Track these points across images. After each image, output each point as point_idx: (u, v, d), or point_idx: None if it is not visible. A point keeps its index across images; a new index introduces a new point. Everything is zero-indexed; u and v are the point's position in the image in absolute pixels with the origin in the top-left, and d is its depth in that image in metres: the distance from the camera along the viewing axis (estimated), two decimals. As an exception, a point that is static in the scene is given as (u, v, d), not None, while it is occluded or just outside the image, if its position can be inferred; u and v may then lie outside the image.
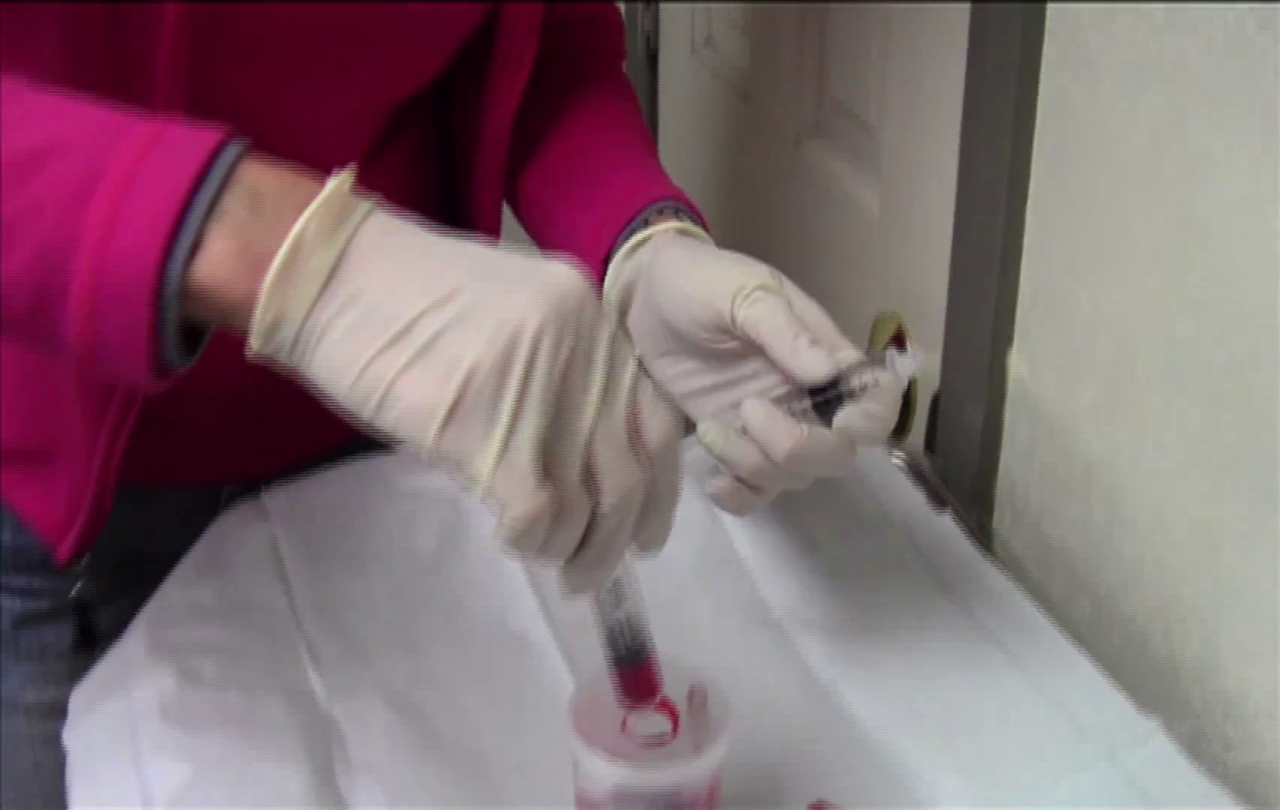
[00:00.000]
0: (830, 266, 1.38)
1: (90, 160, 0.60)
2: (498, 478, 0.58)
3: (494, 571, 0.94)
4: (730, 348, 0.81)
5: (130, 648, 0.88)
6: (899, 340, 0.73)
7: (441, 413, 0.57)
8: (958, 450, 1.16)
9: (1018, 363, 1.09)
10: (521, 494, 0.58)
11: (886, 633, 0.92)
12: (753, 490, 0.77)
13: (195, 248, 0.59)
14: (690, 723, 0.74)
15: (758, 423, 0.74)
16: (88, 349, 0.61)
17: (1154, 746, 0.83)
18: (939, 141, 1.13)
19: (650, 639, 0.71)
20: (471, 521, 0.98)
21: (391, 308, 0.59)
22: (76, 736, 0.84)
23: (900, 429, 1.25)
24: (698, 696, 0.74)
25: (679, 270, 0.83)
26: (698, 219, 0.91)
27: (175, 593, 0.92)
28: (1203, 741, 0.93)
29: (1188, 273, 0.89)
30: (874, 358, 0.75)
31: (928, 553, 0.98)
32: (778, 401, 0.77)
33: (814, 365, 0.76)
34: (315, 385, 0.61)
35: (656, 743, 0.73)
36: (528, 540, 0.60)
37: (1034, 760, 0.82)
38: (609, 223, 0.89)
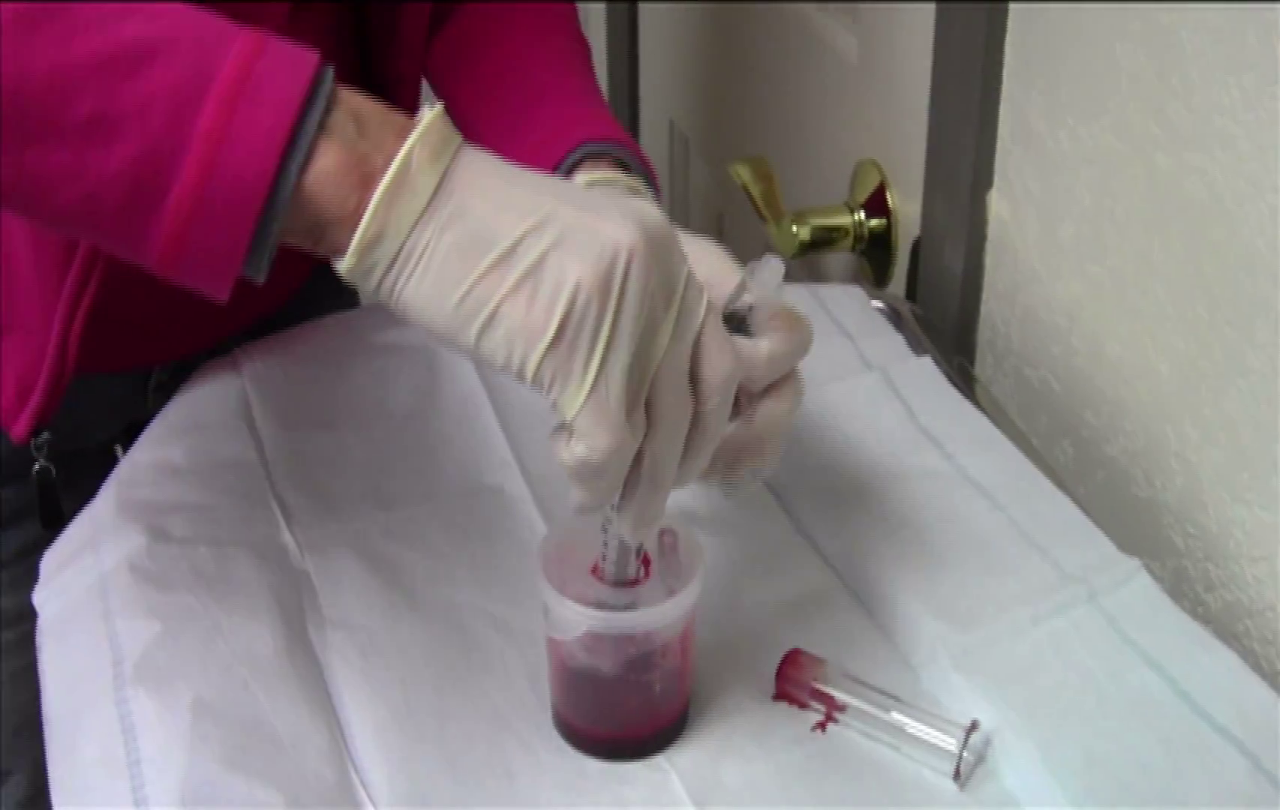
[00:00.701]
0: (809, 115, 1.36)
1: (198, 65, 0.60)
2: (588, 407, 0.60)
3: (468, 426, 0.93)
4: None
5: (100, 508, 0.87)
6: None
7: (547, 337, 0.59)
8: (939, 296, 1.14)
9: (998, 204, 1.07)
10: (608, 426, 0.60)
11: (866, 478, 0.91)
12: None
13: (306, 160, 0.60)
14: (661, 567, 0.73)
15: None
16: (173, 252, 0.60)
17: (1135, 587, 0.82)
18: (917, -18, 1.11)
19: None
20: (445, 376, 0.97)
21: (495, 228, 0.60)
22: (46, 598, 0.83)
23: (880, 278, 1.24)
24: (668, 540, 0.73)
25: None
26: (636, 158, 0.85)
27: (146, 453, 0.91)
28: (1185, 582, 0.93)
29: (1168, 102, 0.87)
30: (741, 282, 0.72)
31: (907, 398, 0.97)
32: None
33: None
34: (400, 310, 0.61)
35: (627, 587, 0.72)
36: (605, 473, 0.61)
37: (1015, 603, 0.81)
38: (535, 161, 0.85)
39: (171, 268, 0.61)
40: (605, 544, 0.71)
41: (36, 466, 0.93)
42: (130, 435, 1.05)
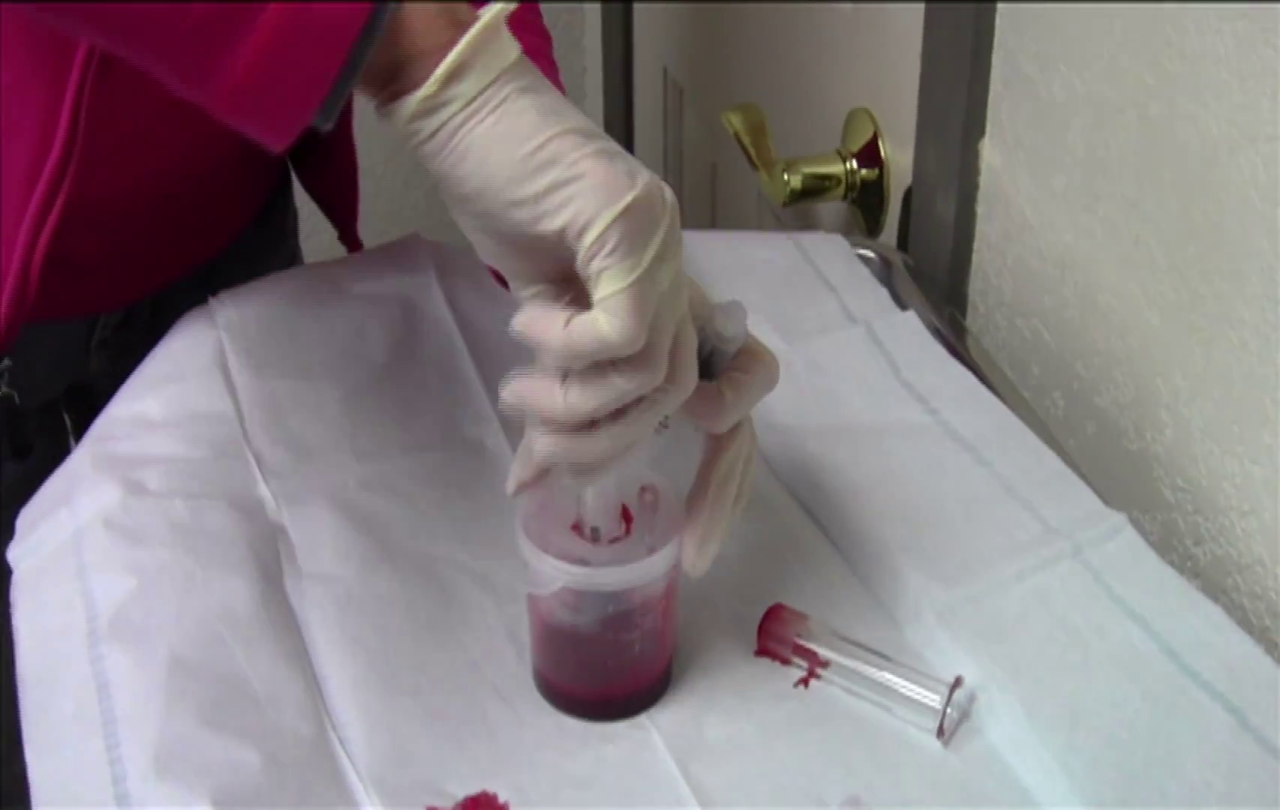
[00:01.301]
0: (802, 63, 1.35)
1: None
2: (631, 289, 0.60)
3: (446, 377, 0.92)
4: None
5: (75, 463, 0.86)
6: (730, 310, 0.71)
7: (627, 199, 0.60)
8: (931, 246, 1.13)
9: (990, 153, 1.06)
10: (640, 317, 0.60)
11: (849, 433, 0.90)
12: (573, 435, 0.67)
13: None
14: (643, 523, 0.72)
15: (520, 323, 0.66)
16: (250, 82, 0.59)
17: (1120, 541, 0.81)
18: (909, -75, 1.09)
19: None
20: (423, 327, 0.95)
21: (570, 111, 0.62)
22: (21, 554, 0.82)
23: (872, 227, 1.23)
24: (649, 496, 0.72)
25: None
26: None
27: (122, 407, 0.90)
28: (1174, 535, 0.92)
29: (1161, 50, 0.86)
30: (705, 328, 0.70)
31: (891, 352, 0.96)
32: None
33: None
34: (456, 156, 0.61)
35: (608, 543, 0.71)
36: (610, 372, 0.61)
37: (1000, 558, 0.80)
38: None
39: (242, 98, 0.60)
40: (582, 495, 0.71)
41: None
42: (71, 398, 1.04)
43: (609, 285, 0.60)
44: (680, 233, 0.63)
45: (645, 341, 0.61)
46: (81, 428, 1.05)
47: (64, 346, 0.99)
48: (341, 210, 1.11)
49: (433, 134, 0.61)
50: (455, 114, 0.61)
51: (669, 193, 0.62)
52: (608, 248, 0.60)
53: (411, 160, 0.64)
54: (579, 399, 0.62)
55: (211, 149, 0.96)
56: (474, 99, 0.60)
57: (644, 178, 0.61)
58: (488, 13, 0.61)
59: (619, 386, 0.62)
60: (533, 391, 0.63)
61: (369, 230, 1.12)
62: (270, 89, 0.60)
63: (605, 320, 0.60)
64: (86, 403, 1.05)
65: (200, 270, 1.03)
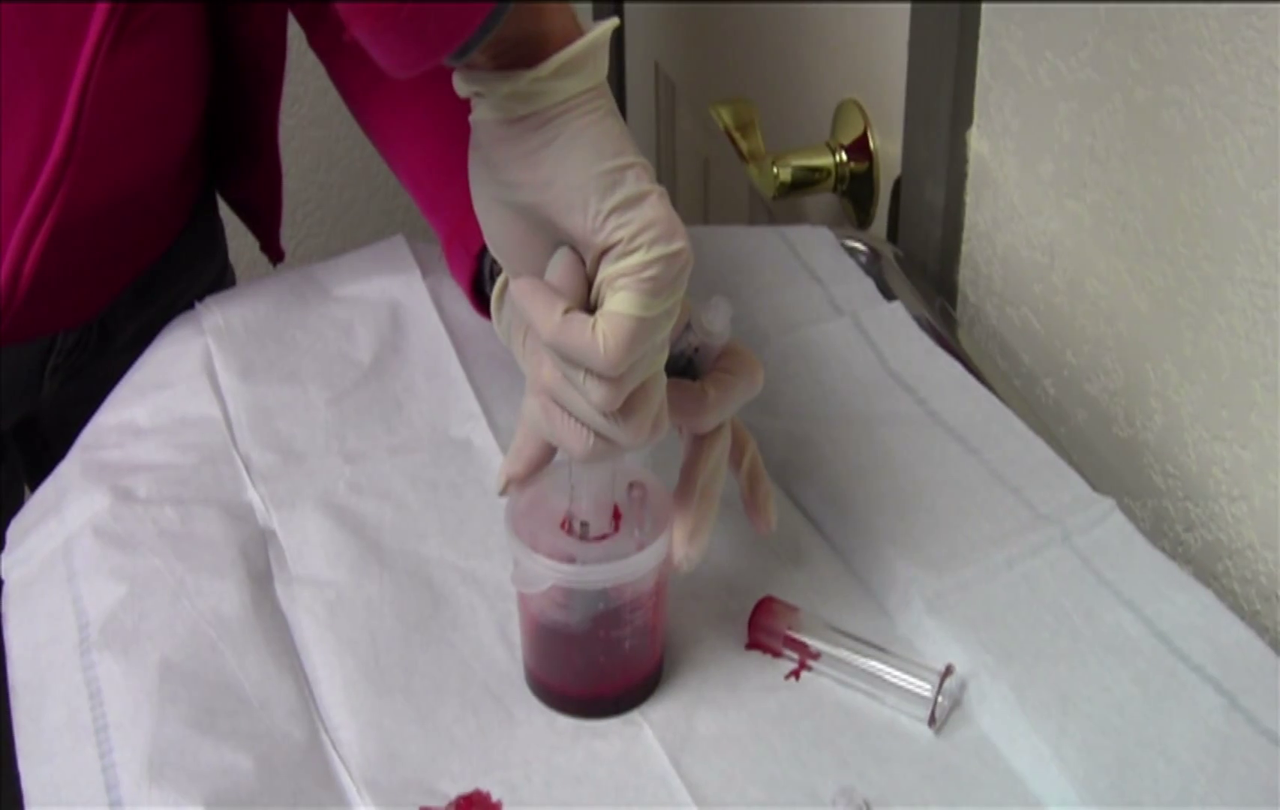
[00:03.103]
0: (790, 54, 1.35)
1: None
2: (645, 323, 0.62)
3: (434, 377, 0.92)
4: None
5: (65, 472, 0.86)
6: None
7: (678, 245, 0.63)
8: (920, 236, 1.13)
9: (978, 141, 1.06)
10: (637, 348, 0.63)
11: (837, 424, 0.90)
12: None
13: None
14: (631, 519, 0.72)
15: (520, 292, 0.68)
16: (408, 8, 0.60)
17: (1109, 526, 0.81)
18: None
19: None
20: (410, 328, 0.95)
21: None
22: (12, 565, 0.82)
23: (863, 219, 1.23)
24: (637, 492, 0.72)
25: None
26: None
27: (109, 415, 0.89)
28: (1165, 522, 0.92)
29: (1146, 34, 0.86)
30: (688, 323, 0.72)
31: (878, 343, 0.96)
32: None
33: None
34: (543, 140, 0.63)
35: (597, 540, 0.71)
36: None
37: (989, 545, 0.80)
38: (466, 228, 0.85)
39: (395, 16, 0.60)
40: (573, 490, 0.71)
41: None
42: (20, 432, 1.04)
43: (623, 306, 0.62)
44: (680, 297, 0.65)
45: (621, 371, 0.63)
46: (30, 465, 1.05)
47: (19, 372, 0.98)
48: (265, 219, 1.11)
49: (526, 116, 0.63)
50: (557, 104, 0.63)
51: (690, 257, 0.65)
52: (644, 275, 0.62)
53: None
54: (551, 368, 0.66)
55: (163, 154, 0.96)
56: (575, 96, 0.63)
57: (685, 233, 0.64)
58: (606, 22, 0.64)
59: (579, 390, 0.65)
60: (527, 294, 0.65)
61: (365, 231, 1.12)
62: (423, 18, 0.60)
63: (602, 334, 0.62)
64: (35, 436, 1.04)
65: (140, 286, 1.02)
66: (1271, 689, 0.71)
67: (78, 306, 0.99)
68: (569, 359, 0.64)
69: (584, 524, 0.71)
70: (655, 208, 0.63)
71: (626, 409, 0.66)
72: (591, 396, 0.64)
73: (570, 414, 0.67)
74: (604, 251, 0.64)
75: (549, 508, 0.72)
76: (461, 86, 0.65)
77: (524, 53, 0.63)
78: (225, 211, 1.13)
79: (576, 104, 0.63)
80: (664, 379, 0.68)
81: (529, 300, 0.65)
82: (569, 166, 0.63)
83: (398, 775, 0.70)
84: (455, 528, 0.83)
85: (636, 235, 0.63)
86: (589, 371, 0.64)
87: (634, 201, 0.63)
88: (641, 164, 0.64)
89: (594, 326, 0.63)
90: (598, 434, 0.66)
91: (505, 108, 0.63)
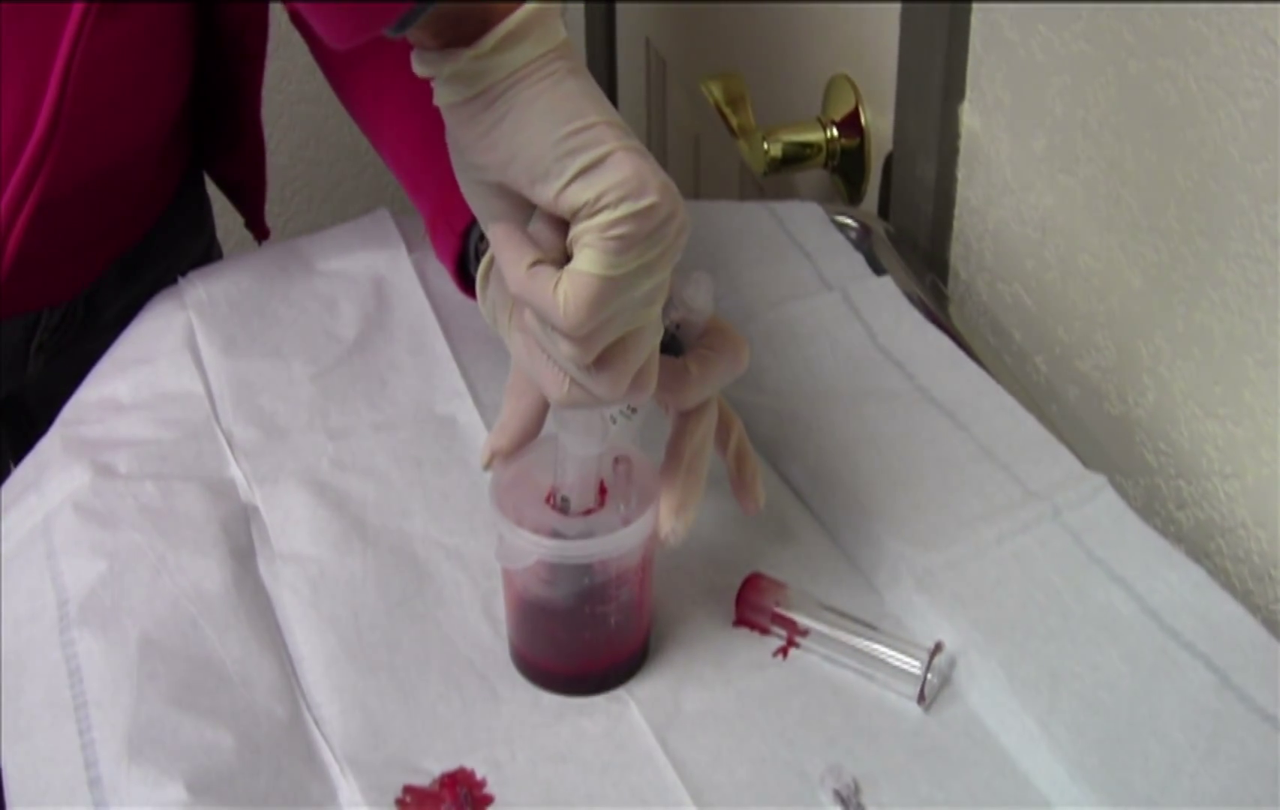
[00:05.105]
0: (781, 29, 1.34)
1: None
2: (606, 283, 0.61)
3: (419, 353, 0.91)
4: None
5: (45, 448, 0.85)
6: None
7: (648, 200, 0.61)
8: (912, 212, 1.12)
9: (970, 116, 1.05)
10: (600, 309, 0.61)
11: (826, 399, 0.89)
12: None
13: None
14: (617, 494, 0.71)
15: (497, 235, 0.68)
16: None
17: (1100, 503, 0.81)
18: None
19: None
20: (395, 304, 0.94)
21: (609, 107, 0.63)
22: (-8, 541, 0.82)
23: (854, 195, 1.22)
24: (622, 467, 0.72)
25: None
26: None
27: (90, 391, 0.89)
28: (1157, 499, 0.91)
29: (1139, 6, 0.85)
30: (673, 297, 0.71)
31: (867, 317, 0.95)
32: None
33: None
34: (498, 113, 0.62)
35: (582, 515, 0.71)
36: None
37: (979, 522, 0.79)
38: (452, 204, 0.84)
39: None
40: (558, 465, 0.70)
41: None
42: (5, 410, 1.03)
43: (586, 264, 0.61)
44: (679, 253, 0.63)
45: (583, 332, 0.62)
46: (15, 443, 1.04)
47: (4, 350, 0.97)
48: (250, 197, 1.10)
49: (477, 95, 0.62)
50: (506, 77, 0.61)
51: (683, 215, 0.62)
52: (610, 234, 0.60)
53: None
54: (531, 313, 0.64)
55: (146, 128, 0.95)
56: (523, 67, 0.61)
57: (666, 187, 0.61)
58: None
59: (549, 343, 0.64)
60: (501, 241, 0.64)
61: (353, 209, 1.11)
62: None
63: (563, 293, 0.61)
64: (21, 414, 1.04)
65: (125, 263, 1.02)
66: (1263, 667, 0.71)
67: (63, 283, 0.98)
68: (533, 308, 0.63)
69: (566, 499, 0.70)
70: (620, 165, 0.61)
71: (602, 362, 0.64)
72: (559, 350, 0.63)
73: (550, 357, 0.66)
74: (574, 214, 0.62)
75: (534, 482, 0.72)
76: (418, 68, 0.64)
77: (466, 30, 0.61)
78: (213, 191, 1.12)
79: (525, 74, 0.62)
80: (652, 335, 0.66)
81: (501, 248, 0.64)
82: (525, 139, 0.62)
83: (381, 753, 0.69)
84: (439, 505, 0.82)
85: (602, 195, 0.61)
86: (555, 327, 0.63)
87: (598, 163, 0.61)
88: (605, 122, 0.62)
89: (556, 285, 0.61)
90: (573, 381, 0.65)
91: (454, 90, 0.62)
